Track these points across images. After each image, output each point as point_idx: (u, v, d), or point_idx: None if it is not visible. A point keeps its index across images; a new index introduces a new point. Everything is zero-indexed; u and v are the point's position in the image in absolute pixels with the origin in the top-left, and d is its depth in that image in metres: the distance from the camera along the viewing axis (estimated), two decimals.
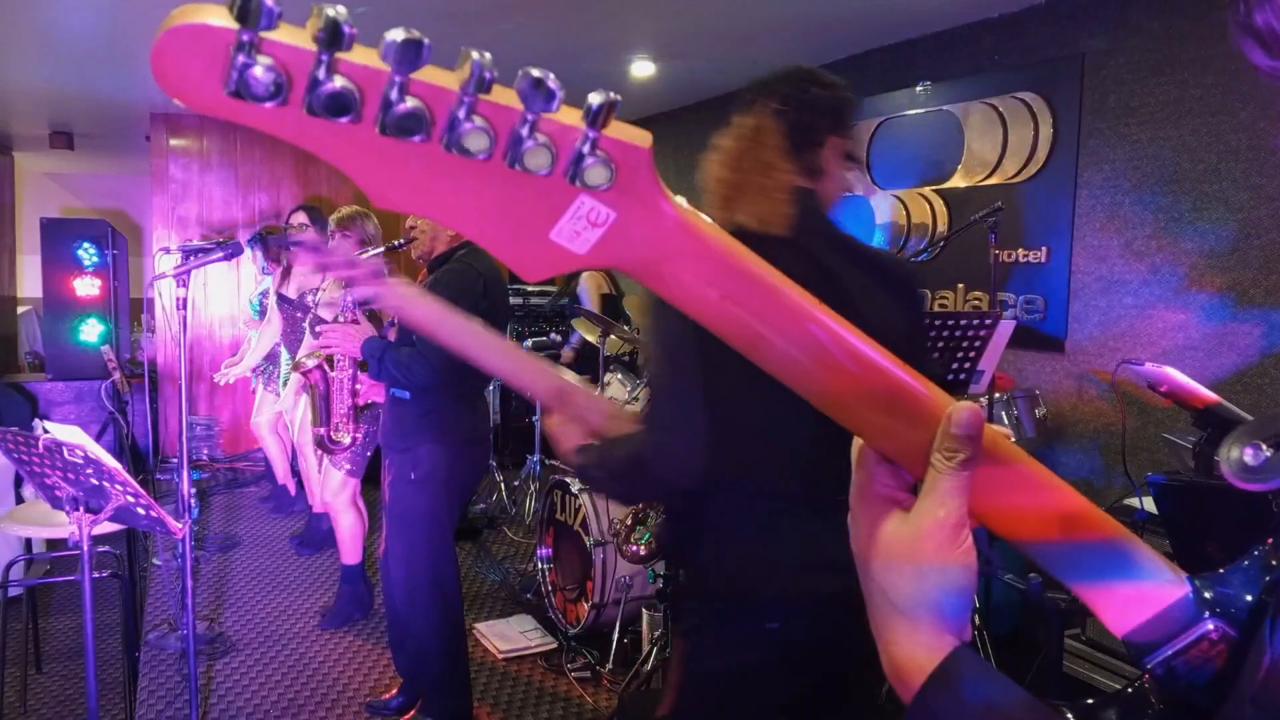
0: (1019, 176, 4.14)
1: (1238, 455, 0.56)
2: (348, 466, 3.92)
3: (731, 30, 4.53)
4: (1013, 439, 0.56)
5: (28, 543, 4.03)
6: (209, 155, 7.28)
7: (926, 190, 4.66)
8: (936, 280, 4.61)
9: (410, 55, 0.38)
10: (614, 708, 3.31)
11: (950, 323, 3.18)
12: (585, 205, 0.44)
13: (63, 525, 3.19)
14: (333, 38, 0.37)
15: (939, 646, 0.54)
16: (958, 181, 4.47)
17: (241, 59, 0.37)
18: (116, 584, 3.73)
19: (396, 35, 0.38)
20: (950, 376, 3.44)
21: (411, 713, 3.23)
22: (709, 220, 0.48)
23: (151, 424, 5.83)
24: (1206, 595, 0.53)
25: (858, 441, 0.57)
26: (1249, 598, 0.52)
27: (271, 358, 5.34)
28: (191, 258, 2.92)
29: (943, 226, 4.57)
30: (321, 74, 0.38)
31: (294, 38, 0.38)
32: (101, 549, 3.21)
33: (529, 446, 5.82)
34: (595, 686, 3.54)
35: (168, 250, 4.37)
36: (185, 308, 2.85)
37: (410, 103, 0.39)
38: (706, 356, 1.42)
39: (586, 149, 0.42)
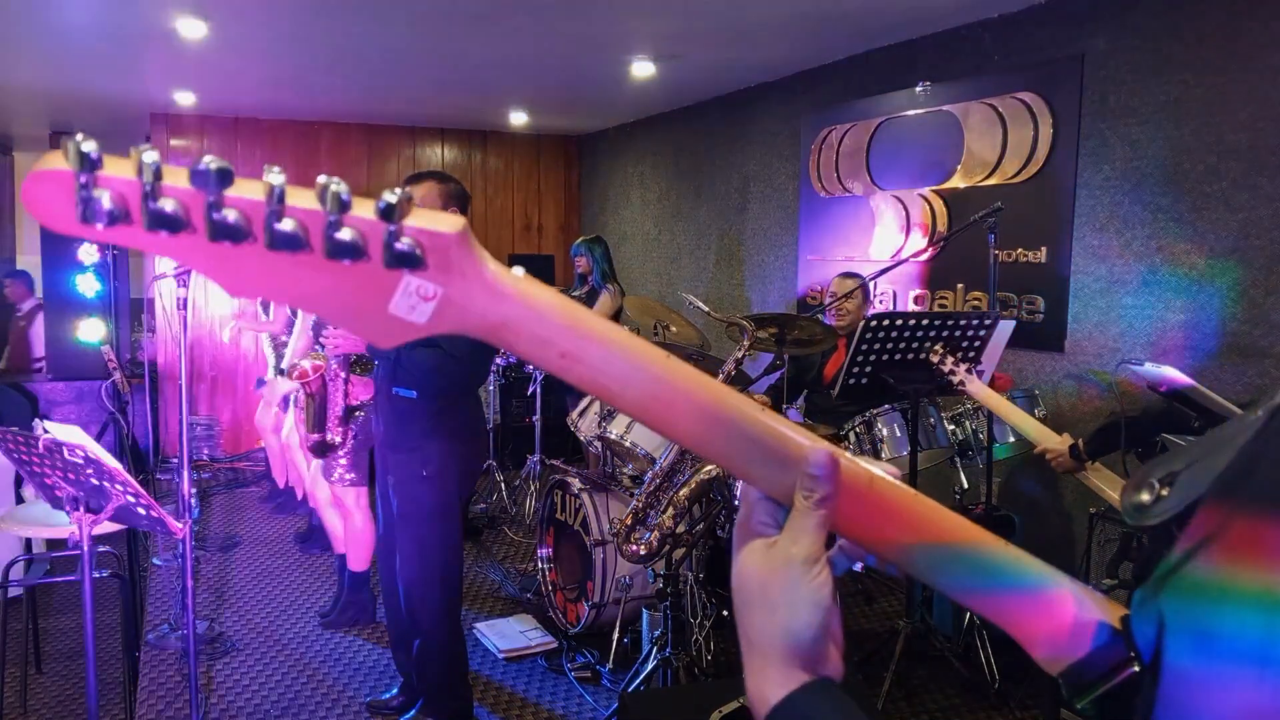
0: (1019, 176, 4.14)
1: (1137, 499, 0.58)
2: (351, 475, 3.90)
3: (731, 30, 4.53)
4: (898, 477, 0.58)
5: (28, 543, 4.03)
6: (161, 157, 7.25)
7: (926, 190, 4.66)
8: (936, 280, 4.61)
9: (215, 179, 0.45)
10: (614, 708, 3.31)
11: (950, 323, 3.18)
12: (413, 283, 0.49)
13: (63, 525, 3.19)
14: (150, 171, 0.45)
15: (785, 682, 0.55)
16: (958, 181, 4.47)
17: (83, 194, 0.45)
18: (116, 584, 3.73)
19: (201, 165, 0.45)
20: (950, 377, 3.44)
21: (412, 712, 3.23)
22: (542, 286, 0.53)
23: (152, 424, 5.83)
24: (1134, 632, 0.53)
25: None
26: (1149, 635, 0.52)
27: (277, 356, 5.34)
28: None
29: (943, 226, 4.57)
30: (150, 199, 0.45)
31: (121, 170, 0.45)
32: (101, 549, 3.21)
33: (529, 446, 5.82)
34: (595, 686, 3.54)
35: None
36: (185, 308, 2.86)
37: (229, 215, 0.46)
38: None
39: (391, 239, 0.48)
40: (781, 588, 0.55)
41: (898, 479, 0.58)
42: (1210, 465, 0.52)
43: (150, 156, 0.45)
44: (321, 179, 0.46)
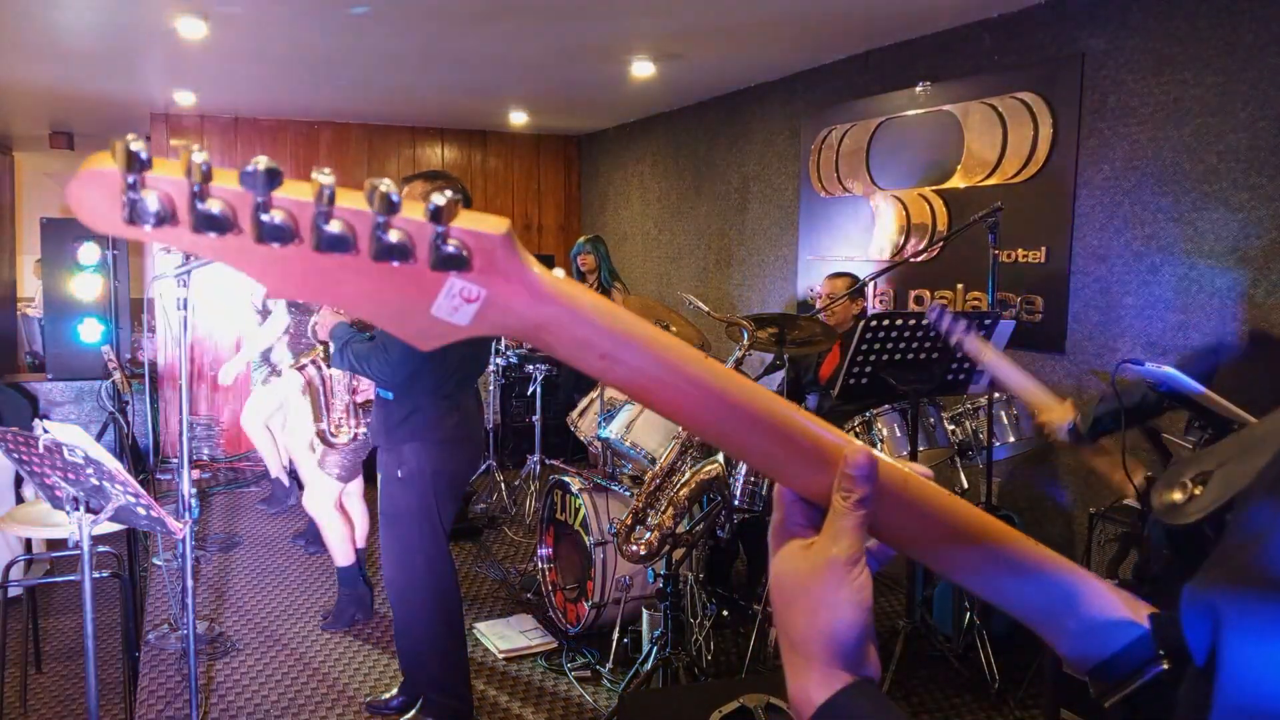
0: (1019, 176, 4.14)
1: (1169, 498, 0.58)
2: (336, 471, 3.92)
3: (731, 30, 4.53)
4: (930, 478, 0.58)
5: (28, 543, 4.03)
6: (209, 156, 7.26)
7: (926, 190, 4.66)
8: (936, 280, 4.61)
9: (264, 180, 0.45)
10: (614, 708, 3.30)
11: None
12: (456, 285, 0.49)
13: (63, 525, 3.19)
14: (200, 172, 0.45)
15: (828, 683, 0.55)
16: (958, 181, 4.47)
17: (130, 194, 0.44)
18: (116, 584, 3.73)
19: (251, 166, 0.45)
20: (950, 377, 3.44)
21: (412, 712, 3.23)
22: (583, 289, 0.53)
23: (152, 424, 5.83)
24: (1165, 631, 0.53)
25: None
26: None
27: (266, 358, 5.35)
28: (192, 258, 2.93)
29: (943, 226, 4.57)
30: (198, 199, 0.45)
31: (170, 171, 0.45)
32: (101, 549, 3.21)
33: (529, 446, 5.82)
34: (595, 686, 3.54)
35: (168, 250, 4.38)
36: (185, 308, 2.86)
37: (276, 216, 0.46)
38: None
39: (438, 241, 0.47)
40: (823, 589, 0.55)
41: (930, 479, 0.58)
42: (1245, 465, 0.52)
43: (199, 157, 0.44)
44: (370, 180, 0.46)
